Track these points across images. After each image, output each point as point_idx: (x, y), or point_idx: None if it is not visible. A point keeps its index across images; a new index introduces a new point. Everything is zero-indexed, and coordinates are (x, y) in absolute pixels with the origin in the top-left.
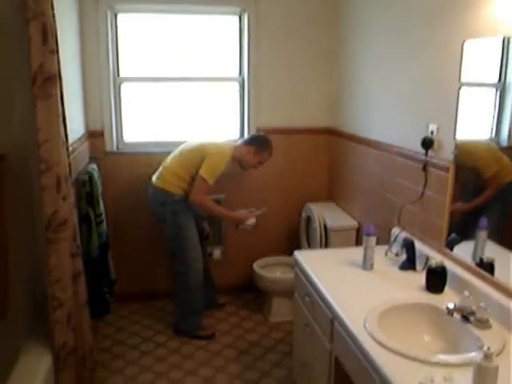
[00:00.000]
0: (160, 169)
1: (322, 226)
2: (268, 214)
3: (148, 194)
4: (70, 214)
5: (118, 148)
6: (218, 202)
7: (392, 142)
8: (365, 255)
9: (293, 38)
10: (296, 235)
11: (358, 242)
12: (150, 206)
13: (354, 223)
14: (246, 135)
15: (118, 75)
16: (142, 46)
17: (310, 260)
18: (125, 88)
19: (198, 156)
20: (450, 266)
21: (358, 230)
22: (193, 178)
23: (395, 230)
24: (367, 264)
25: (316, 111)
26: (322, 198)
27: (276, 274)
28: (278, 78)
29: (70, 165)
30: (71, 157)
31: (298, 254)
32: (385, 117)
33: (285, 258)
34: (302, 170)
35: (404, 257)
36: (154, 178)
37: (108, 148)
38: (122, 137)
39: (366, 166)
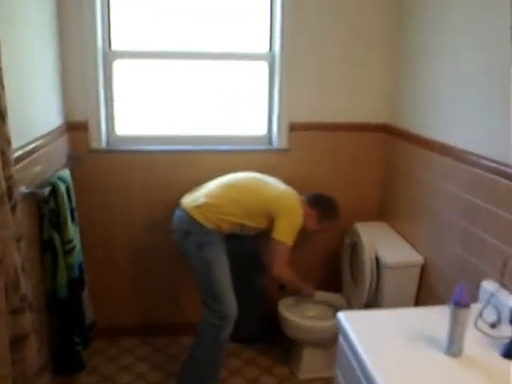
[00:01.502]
0: (199, 193)
1: (373, 259)
2: (301, 236)
3: (174, 217)
4: (4, 252)
5: (107, 144)
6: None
7: (490, 154)
8: (451, 334)
9: (349, 5)
10: (337, 265)
11: (422, 286)
12: (172, 232)
13: (418, 258)
14: (275, 131)
15: (110, 48)
16: (142, 10)
17: (360, 327)
18: (118, 66)
19: (260, 206)
20: None
21: (423, 269)
22: (242, 226)
23: (488, 285)
24: (453, 347)
25: (372, 102)
26: (371, 217)
27: (308, 318)
28: (323, 58)
29: (10, 177)
30: (24, 162)
31: (343, 316)
32: (480, 116)
33: (321, 295)
34: (348, 179)
35: (507, 332)
36: (187, 201)
37: (94, 144)
38: (113, 129)
39: (440, 183)
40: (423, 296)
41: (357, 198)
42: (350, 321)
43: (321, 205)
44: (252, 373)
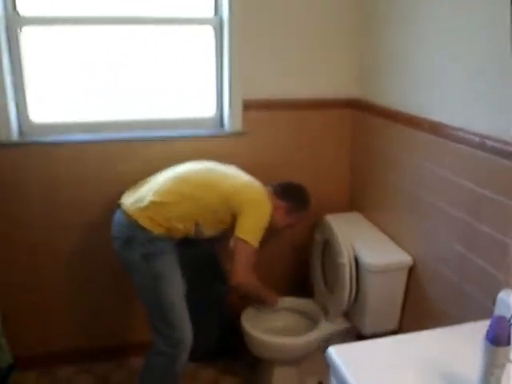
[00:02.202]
0: (142, 191)
1: (352, 261)
2: (265, 233)
3: (113, 220)
4: None
5: (20, 134)
6: None
7: (491, 132)
8: (486, 378)
9: None
10: (306, 266)
11: (411, 291)
12: (111, 238)
13: (406, 258)
14: (226, 111)
15: (16, 12)
16: None
17: (356, 364)
18: (28, 35)
19: (219, 200)
20: None
21: (412, 270)
22: (198, 228)
23: (506, 296)
24: None
25: (338, 74)
26: (342, 207)
27: (277, 331)
28: (280, 24)
29: None
30: None
31: (334, 352)
32: (476, 84)
33: (287, 301)
34: (314, 164)
35: None
36: (128, 201)
37: (0, 136)
38: (26, 115)
39: (427, 168)
40: (412, 302)
41: (325, 185)
42: (343, 356)
43: (290, 194)
44: None
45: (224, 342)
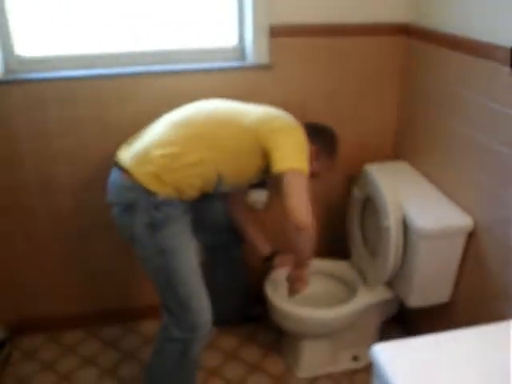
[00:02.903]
0: (145, 142)
1: (400, 223)
2: None
3: (109, 181)
4: None
5: (5, 71)
6: None
7: None
8: None
9: None
10: (341, 227)
11: (468, 259)
12: (109, 204)
13: (464, 221)
14: (249, 39)
15: None
16: None
17: (406, 367)
18: None
19: (245, 136)
20: None
21: (471, 235)
22: (218, 175)
23: None
24: None
25: None
26: (386, 155)
27: (307, 302)
28: None
29: None
30: None
31: (379, 350)
32: None
33: (319, 264)
34: (354, 104)
35: None
36: (128, 156)
37: None
38: (11, 49)
39: (495, 108)
40: (468, 273)
41: (367, 129)
42: (391, 357)
43: (319, 135)
44: (235, 371)
45: (247, 308)
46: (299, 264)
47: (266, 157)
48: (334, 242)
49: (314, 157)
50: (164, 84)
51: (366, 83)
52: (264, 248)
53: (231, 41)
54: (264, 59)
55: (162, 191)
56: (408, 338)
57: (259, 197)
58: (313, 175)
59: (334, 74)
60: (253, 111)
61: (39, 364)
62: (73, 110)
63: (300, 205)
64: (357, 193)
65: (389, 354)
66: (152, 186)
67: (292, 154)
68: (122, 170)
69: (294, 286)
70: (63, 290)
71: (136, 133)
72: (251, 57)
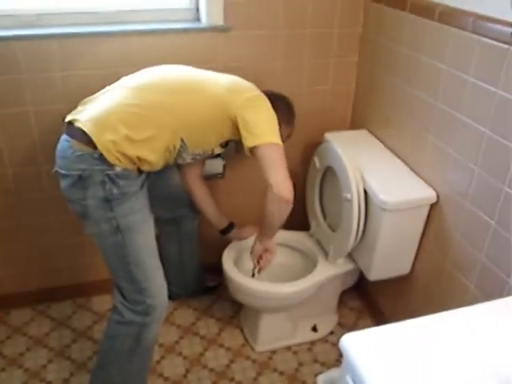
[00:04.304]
0: (103, 105)
1: (362, 195)
2: (249, 158)
3: (58, 149)
4: None
5: None
6: None
7: None
8: None
9: None
10: (300, 198)
11: (428, 232)
12: (57, 175)
13: (427, 193)
14: (203, 1)
15: None
16: None
17: (378, 358)
18: None
19: (211, 106)
20: None
21: (433, 207)
22: (181, 147)
23: None
24: None
25: None
26: (346, 124)
27: (267, 276)
28: None
29: None
30: None
31: (347, 340)
32: None
33: (278, 235)
34: (311, 69)
35: None
36: (82, 117)
37: None
38: None
39: (452, 73)
40: (430, 245)
41: (325, 95)
42: (360, 348)
43: (277, 104)
44: (192, 347)
45: (202, 281)
46: (268, 235)
47: (232, 128)
48: (294, 213)
49: None
50: (114, 46)
51: (325, 47)
52: (221, 220)
53: (185, 1)
54: (218, 21)
55: (120, 163)
56: (366, 307)
57: (216, 168)
58: None
59: (291, 38)
60: (221, 80)
61: None
62: (14, 74)
63: (283, 179)
64: (317, 162)
65: (358, 344)
66: (110, 156)
67: (267, 128)
68: (74, 135)
69: (262, 257)
70: (9, 267)
71: (87, 97)
72: (205, 19)
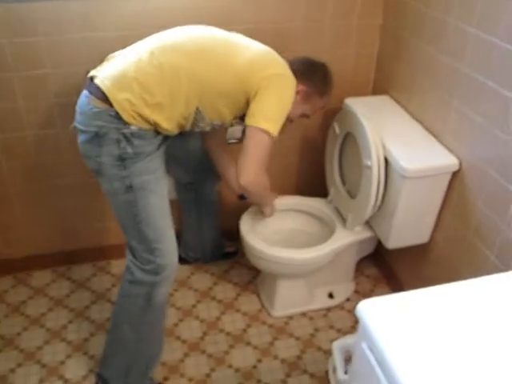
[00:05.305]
0: (119, 64)
1: (382, 162)
2: None
3: (77, 104)
4: None
5: None
6: None
7: None
8: None
9: None
10: (319, 163)
11: (449, 201)
12: (75, 130)
13: (449, 161)
14: None
15: None
16: None
17: (395, 325)
18: None
19: (231, 78)
20: None
21: (455, 176)
22: (196, 112)
23: None
24: None
25: None
26: (367, 89)
27: (284, 241)
28: None
29: None
30: None
31: (363, 307)
32: None
33: (296, 201)
34: (333, 30)
35: None
36: (102, 74)
37: None
38: None
39: (479, 37)
40: (450, 214)
41: (347, 59)
42: (376, 315)
43: (310, 75)
44: (209, 311)
45: (221, 246)
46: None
47: (245, 104)
48: (312, 179)
49: (302, 97)
50: (136, 6)
51: (348, 8)
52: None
53: None
54: None
55: (135, 122)
56: (383, 275)
57: (235, 133)
58: (301, 116)
59: None
60: (245, 52)
61: (6, 307)
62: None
63: (252, 167)
64: (336, 128)
65: (374, 311)
66: (125, 114)
67: (269, 113)
68: (93, 92)
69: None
70: (31, 230)
71: (105, 58)
72: None
